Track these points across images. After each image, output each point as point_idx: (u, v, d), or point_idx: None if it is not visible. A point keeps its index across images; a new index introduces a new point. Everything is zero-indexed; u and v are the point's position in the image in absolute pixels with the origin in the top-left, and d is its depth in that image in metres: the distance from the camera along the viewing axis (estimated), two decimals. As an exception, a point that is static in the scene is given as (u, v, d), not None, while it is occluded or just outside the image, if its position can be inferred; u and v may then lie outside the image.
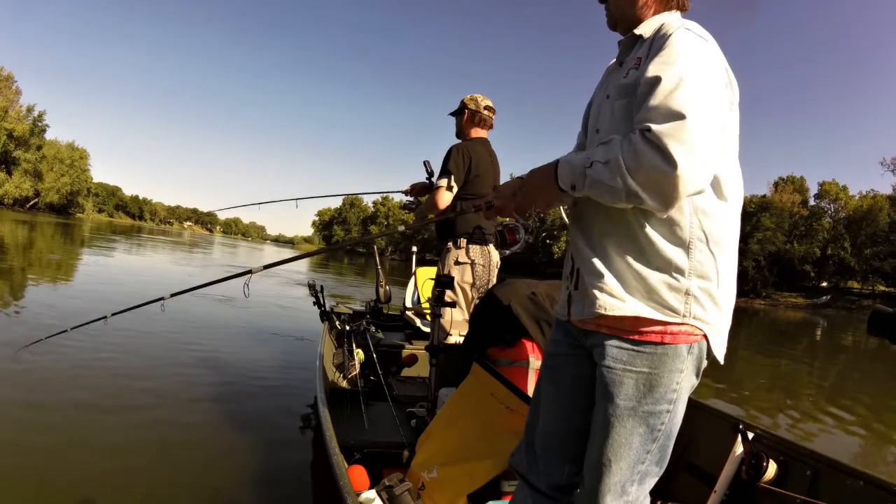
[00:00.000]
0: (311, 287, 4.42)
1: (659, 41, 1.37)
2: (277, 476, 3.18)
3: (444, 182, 3.55)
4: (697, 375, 1.42)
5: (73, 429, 3.51)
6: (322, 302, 4.47)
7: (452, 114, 3.94)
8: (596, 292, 1.39)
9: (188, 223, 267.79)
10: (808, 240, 55.23)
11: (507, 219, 1.71)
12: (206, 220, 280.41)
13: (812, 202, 58.97)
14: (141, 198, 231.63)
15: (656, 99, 1.24)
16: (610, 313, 1.36)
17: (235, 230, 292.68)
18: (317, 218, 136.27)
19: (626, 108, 1.41)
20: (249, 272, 1.98)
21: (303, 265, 27.70)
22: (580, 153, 1.38)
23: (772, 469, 2.12)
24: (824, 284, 56.02)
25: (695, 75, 1.25)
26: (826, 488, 2.01)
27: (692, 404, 2.41)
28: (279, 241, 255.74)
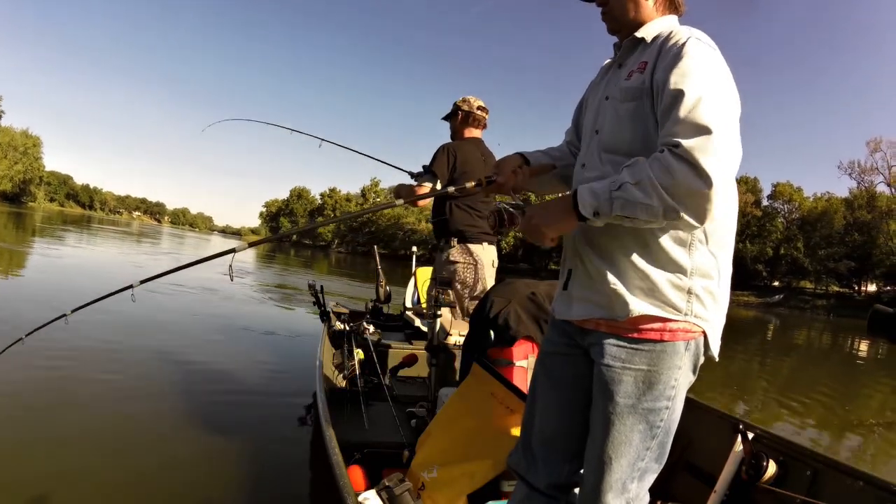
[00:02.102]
0: (311, 287, 4.39)
1: (670, 49, 1.37)
2: (277, 476, 3.15)
3: (427, 184, 3.68)
4: (694, 372, 1.45)
5: (65, 431, 3.42)
6: (322, 302, 4.43)
7: (446, 118, 4.02)
8: (600, 295, 1.41)
9: (137, 213, 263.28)
10: (761, 240, 56.28)
11: (504, 198, 1.70)
12: (154, 211, 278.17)
13: (765, 202, 60.19)
14: (91, 187, 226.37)
15: (682, 113, 1.24)
16: (610, 316, 1.38)
17: (183, 221, 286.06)
18: (264, 209, 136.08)
19: (634, 111, 1.41)
20: (233, 250, 1.85)
21: (249, 256, 27.17)
22: (600, 181, 1.34)
23: (772, 469, 2.17)
24: (776, 284, 57.38)
25: (715, 88, 1.27)
26: (826, 488, 2.05)
27: (692, 404, 2.45)
28: (226, 232, 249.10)
